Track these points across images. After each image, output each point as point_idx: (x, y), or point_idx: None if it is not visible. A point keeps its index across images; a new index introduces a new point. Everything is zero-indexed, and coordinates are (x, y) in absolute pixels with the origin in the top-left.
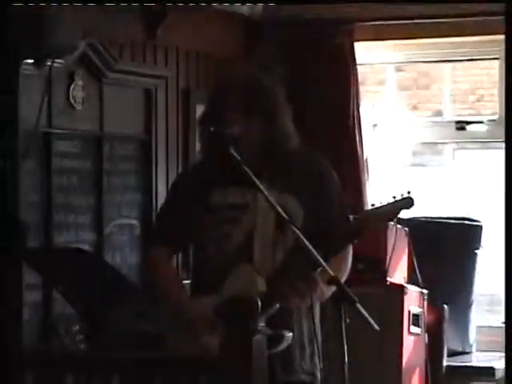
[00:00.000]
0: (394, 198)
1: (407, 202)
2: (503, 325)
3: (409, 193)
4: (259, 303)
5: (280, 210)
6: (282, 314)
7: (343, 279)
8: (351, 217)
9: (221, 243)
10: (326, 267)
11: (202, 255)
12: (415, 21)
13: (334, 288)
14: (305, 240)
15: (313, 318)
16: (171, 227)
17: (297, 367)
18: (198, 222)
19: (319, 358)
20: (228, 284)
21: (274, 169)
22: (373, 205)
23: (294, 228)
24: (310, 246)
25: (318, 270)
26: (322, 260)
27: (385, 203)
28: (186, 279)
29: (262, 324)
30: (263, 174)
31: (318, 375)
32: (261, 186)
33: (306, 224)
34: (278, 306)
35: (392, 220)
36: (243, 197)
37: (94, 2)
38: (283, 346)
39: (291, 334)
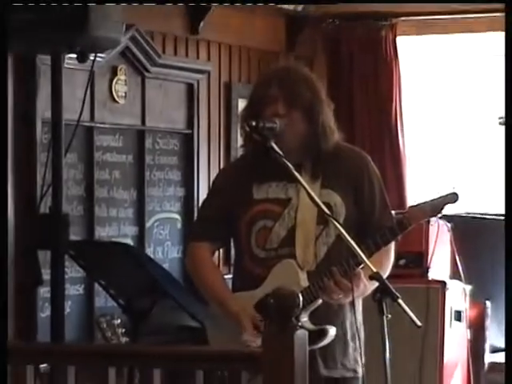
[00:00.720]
0: (439, 193)
1: (452, 198)
2: None
3: (453, 188)
4: (301, 298)
5: (321, 204)
6: (325, 309)
7: (386, 275)
8: (393, 212)
9: (263, 238)
10: (368, 263)
11: (243, 250)
12: (457, 16)
13: (376, 284)
14: (347, 235)
15: (355, 314)
16: (212, 224)
17: (338, 363)
18: (240, 217)
19: (361, 354)
20: (270, 279)
21: (315, 164)
22: (415, 203)
23: (336, 223)
24: (353, 242)
25: (361, 265)
26: (364, 256)
27: (430, 199)
28: (226, 274)
29: (304, 319)
30: (305, 168)
31: (360, 371)
32: (302, 180)
33: (349, 220)
34: (320, 301)
35: (436, 215)
36: (285, 192)
37: (94, 2)
38: (326, 341)
39: (334, 329)
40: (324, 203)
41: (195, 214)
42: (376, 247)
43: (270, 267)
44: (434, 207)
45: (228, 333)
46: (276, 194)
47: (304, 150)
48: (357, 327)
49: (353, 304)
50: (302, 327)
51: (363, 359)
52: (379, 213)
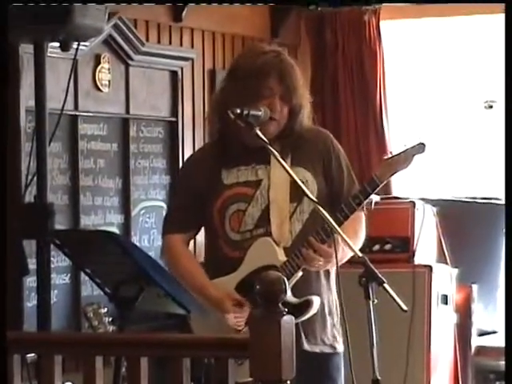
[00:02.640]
0: (405, 145)
1: (419, 148)
2: None
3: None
4: (286, 282)
5: (303, 185)
6: (303, 285)
7: (360, 244)
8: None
9: (237, 221)
10: (351, 245)
11: (218, 236)
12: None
13: (349, 252)
14: (323, 210)
15: (333, 290)
16: (184, 214)
17: (318, 339)
18: (212, 204)
19: (338, 330)
20: (248, 259)
21: (283, 144)
22: (385, 156)
23: (313, 199)
24: (327, 214)
25: (335, 235)
26: (339, 229)
27: (397, 152)
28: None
29: (287, 293)
30: (274, 148)
31: (338, 348)
32: (286, 165)
33: (320, 195)
34: (300, 274)
35: (407, 166)
36: (255, 174)
37: (93, 2)
38: (312, 312)
39: (319, 298)
40: (296, 181)
41: (167, 208)
42: (350, 210)
43: (246, 249)
44: (403, 160)
45: (212, 323)
46: (246, 177)
47: (274, 135)
48: (341, 305)
49: (328, 279)
50: (285, 302)
51: (346, 338)
52: (348, 185)
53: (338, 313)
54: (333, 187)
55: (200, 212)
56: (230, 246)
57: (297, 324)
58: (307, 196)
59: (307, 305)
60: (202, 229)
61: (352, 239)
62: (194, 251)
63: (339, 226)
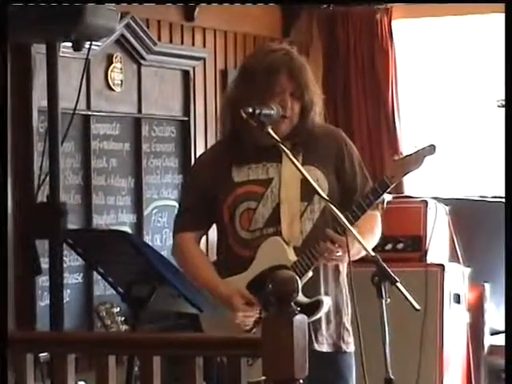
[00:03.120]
0: (416, 147)
1: (430, 150)
2: None
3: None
4: (299, 282)
5: (314, 184)
6: (311, 286)
7: (375, 241)
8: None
9: (247, 220)
10: (364, 244)
11: (228, 234)
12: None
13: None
14: (335, 208)
15: (343, 290)
16: (195, 212)
17: (324, 338)
18: (223, 202)
19: (347, 329)
20: (258, 258)
21: (295, 143)
22: (395, 156)
23: (325, 197)
24: (339, 213)
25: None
26: (352, 229)
27: (408, 153)
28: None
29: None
30: (285, 147)
31: (343, 347)
32: (295, 161)
33: (332, 194)
34: (310, 274)
35: (418, 167)
36: (266, 172)
37: (93, 2)
38: (323, 311)
39: (329, 298)
40: (306, 179)
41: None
42: (360, 211)
43: (256, 248)
44: (414, 161)
45: (221, 322)
46: (257, 175)
47: (286, 132)
48: (344, 302)
49: (337, 278)
50: (296, 302)
51: (359, 338)
52: (361, 182)
53: (349, 312)
54: (345, 185)
55: (211, 210)
56: (240, 244)
57: (307, 324)
58: (319, 194)
59: (318, 305)
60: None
61: (366, 238)
62: (207, 249)
63: (351, 225)
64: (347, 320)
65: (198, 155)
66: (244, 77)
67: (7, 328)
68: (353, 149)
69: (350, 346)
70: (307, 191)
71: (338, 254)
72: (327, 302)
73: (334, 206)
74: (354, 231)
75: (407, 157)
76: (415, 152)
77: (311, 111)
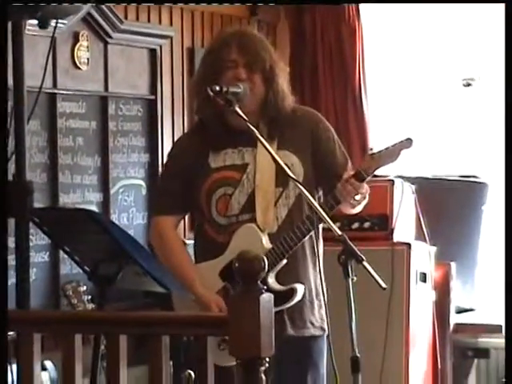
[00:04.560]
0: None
1: (407, 143)
2: None
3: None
4: (266, 261)
5: (285, 167)
6: (289, 269)
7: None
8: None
9: (224, 205)
10: (332, 224)
11: (205, 219)
12: None
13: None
14: (309, 196)
15: (319, 271)
16: (173, 196)
17: (307, 322)
18: (199, 187)
19: (326, 311)
20: (233, 245)
21: (270, 127)
22: (371, 149)
23: (298, 185)
24: (316, 202)
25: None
26: (326, 216)
27: (386, 146)
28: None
29: (271, 280)
30: (261, 131)
31: (326, 328)
32: (267, 145)
33: (308, 179)
34: (284, 261)
35: (394, 161)
36: (242, 157)
37: (93, 2)
38: (296, 299)
39: (303, 286)
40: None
41: (155, 191)
42: (336, 202)
43: (231, 234)
44: (390, 154)
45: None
46: (233, 161)
47: (260, 113)
48: (322, 285)
49: (315, 262)
50: (269, 289)
51: (328, 317)
52: (341, 158)
53: (325, 293)
54: (325, 165)
55: (188, 196)
56: (216, 229)
57: (281, 310)
58: (289, 176)
59: (291, 292)
60: None
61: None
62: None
63: (330, 210)
64: (325, 302)
65: (166, 134)
66: (203, 59)
67: None
68: (329, 129)
69: (325, 330)
70: (282, 177)
71: (357, 196)
72: (300, 291)
73: (305, 187)
74: (326, 217)
75: (383, 150)
76: (392, 146)
77: (273, 81)
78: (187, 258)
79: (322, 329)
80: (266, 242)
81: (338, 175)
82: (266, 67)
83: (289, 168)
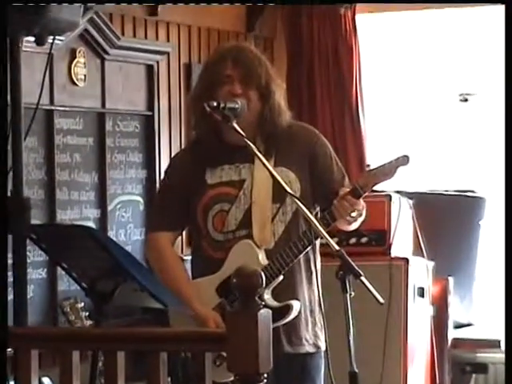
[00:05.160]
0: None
1: (403, 160)
2: None
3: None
4: (263, 276)
5: (283, 182)
6: (284, 286)
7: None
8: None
9: (220, 222)
10: (330, 240)
11: (201, 235)
12: None
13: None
14: (307, 211)
15: (312, 288)
16: (169, 213)
17: (302, 339)
18: (196, 204)
19: (322, 328)
20: (229, 261)
21: (268, 143)
22: (368, 165)
23: (297, 201)
24: (313, 218)
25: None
26: (324, 231)
27: (383, 163)
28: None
29: (267, 296)
30: (258, 148)
31: (322, 345)
32: (264, 161)
33: (305, 195)
34: (281, 277)
35: (391, 178)
36: (239, 173)
37: (93, 2)
38: (291, 316)
39: (298, 303)
40: (278, 181)
41: (152, 208)
42: (332, 219)
43: (228, 250)
44: (386, 171)
45: (189, 317)
46: (229, 177)
47: (257, 129)
48: (319, 302)
49: (310, 279)
50: (265, 305)
51: (324, 334)
52: (338, 174)
53: (322, 310)
54: (322, 182)
55: (185, 211)
56: (213, 246)
57: (277, 327)
58: (287, 192)
59: (287, 309)
60: None
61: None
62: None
63: (326, 227)
64: (319, 318)
65: (163, 150)
66: (200, 74)
67: None
68: (326, 145)
69: (323, 344)
70: (279, 193)
71: (353, 213)
72: (296, 307)
73: (302, 203)
74: (323, 231)
75: (380, 167)
76: (388, 162)
77: (270, 97)
78: (184, 274)
79: (316, 346)
80: (262, 259)
81: (335, 192)
82: (262, 83)
83: (286, 184)
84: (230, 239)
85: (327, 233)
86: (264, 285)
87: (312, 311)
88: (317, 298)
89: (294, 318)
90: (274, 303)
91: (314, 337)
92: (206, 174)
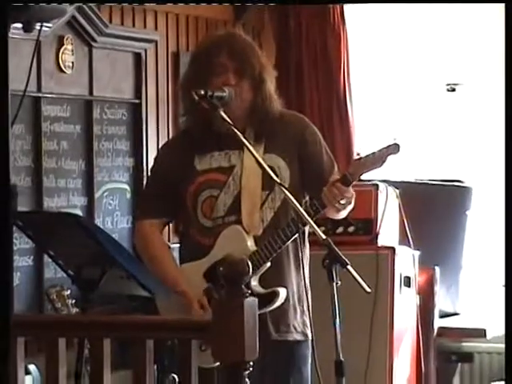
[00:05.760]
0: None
1: (393, 148)
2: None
3: (395, 139)
4: (250, 264)
5: (269, 170)
6: (273, 273)
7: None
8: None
9: (209, 208)
10: (316, 229)
11: (190, 221)
12: None
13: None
14: (293, 199)
15: (302, 277)
16: (159, 200)
17: (290, 326)
18: (186, 190)
19: (309, 317)
20: (217, 246)
21: (257, 130)
22: (358, 154)
23: (283, 188)
24: (299, 206)
25: (306, 227)
26: (310, 219)
27: (373, 151)
28: (176, 243)
29: (254, 283)
30: (248, 134)
31: (309, 334)
32: (251, 148)
33: (294, 182)
34: (268, 264)
35: (381, 166)
36: (228, 160)
37: (93, 2)
38: (278, 303)
39: (285, 290)
40: (268, 167)
41: (140, 194)
42: (321, 206)
43: (217, 236)
44: (377, 159)
45: (178, 302)
46: (219, 163)
47: (247, 117)
48: (305, 290)
49: (299, 267)
50: (252, 292)
51: (311, 322)
52: (327, 163)
53: (309, 299)
54: (311, 170)
55: (174, 199)
56: (201, 232)
57: (264, 314)
58: (274, 180)
59: (273, 295)
60: None
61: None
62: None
63: (315, 214)
64: (308, 307)
65: (150, 138)
66: (191, 62)
67: None
68: (316, 134)
69: (310, 333)
70: (269, 180)
71: (342, 201)
72: (283, 294)
73: (289, 191)
74: (310, 220)
75: (371, 155)
76: (379, 150)
77: (262, 87)
78: (170, 260)
79: (304, 334)
80: (250, 244)
81: (325, 179)
82: (255, 72)
83: (275, 171)
84: (218, 225)
85: (315, 221)
86: (251, 273)
87: (300, 299)
88: (306, 287)
89: (281, 305)
90: (260, 289)
91: (303, 325)
92: (196, 161)
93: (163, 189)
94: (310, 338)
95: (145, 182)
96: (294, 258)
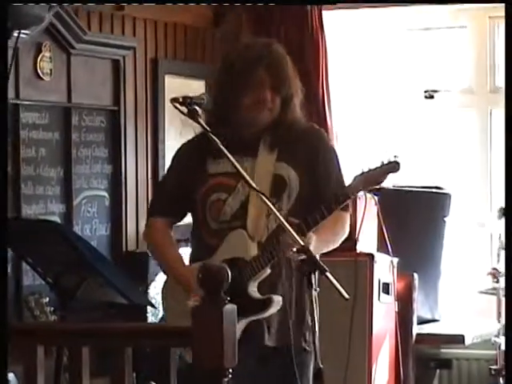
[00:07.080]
0: (382, 162)
1: (394, 166)
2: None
3: (395, 157)
4: (229, 272)
5: (248, 178)
6: (272, 281)
7: (337, 243)
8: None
9: (217, 210)
10: (295, 235)
11: (200, 223)
12: None
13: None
14: (277, 213)
15: (293, 285)
16: (170, 200)
17: (286, 334)
18: (196, 192)
19: (312, 328)
20: (222, 248)
21: (273, 137)
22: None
23: (262, 196)
24: (278, 213)
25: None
26: (288, 226)
27: (373, 167)
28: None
29: (253, 289)
30: (264, 140)
31: (307, 344)
32: (231, 157)
33: (302, 194)
34: (269, 271)
35: (380, 184)
36: (240, 166)
37: (92, 2)
38: (273, 310)
39: (280, 298)
40: (278, 176)
41: (123, 192)
42: (321, 217)
43: (222, 238)
44: (377, 176)
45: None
46: (230, 168)
47: (269, 125)
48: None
49: (291, 275)
50: (248, 297)
51: (309, 333)
52: (335, 186)
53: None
54: (317, 189)
55: (185, 199)
56: (208, 233)
57: (260, 320)
58: (251, 186)
59: (269, 302)
60: None
61: (325, 236)
62: None
63: (308, 230)
64: (309, 319)
65: (129, 146)
66: (225, 72)
67: None
68: (332, 150)
69: (310, 346)
70: (278, 189)
71: (294, 249)
72: (278, 302)
73: (269, 200)
74: (293, 232)
75: (371, 171)
76: (379, 167)
77: (291, 103)
78: (175, 250)
79: (300, 342)
80: (252, 249)
81: (326, 200)
82: (287, 89)
83: (284, 180)
84: (224, 228)
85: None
86: (229, 280)
87: (301, 309)
88: (295, 293)
89: (278, 312)
90: (257, 295)
91: (300, 333)
92: (208, 164)
93: (176, 189)
94: (308, 349)
95: (160, 180)
96: (295, 267)
